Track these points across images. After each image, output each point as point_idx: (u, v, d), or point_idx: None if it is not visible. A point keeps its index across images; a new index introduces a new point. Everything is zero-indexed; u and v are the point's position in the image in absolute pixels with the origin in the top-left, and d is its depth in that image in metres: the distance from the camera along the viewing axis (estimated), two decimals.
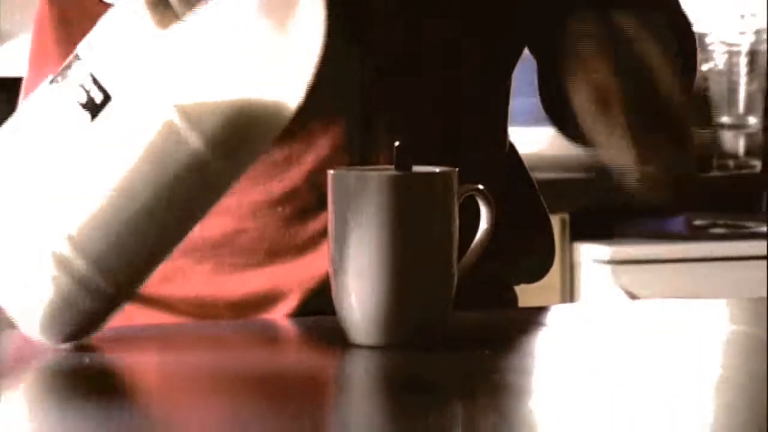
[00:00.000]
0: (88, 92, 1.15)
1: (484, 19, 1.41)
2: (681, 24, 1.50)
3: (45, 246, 1.16)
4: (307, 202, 1.34)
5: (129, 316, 1.37)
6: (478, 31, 1.41)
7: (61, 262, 1.15)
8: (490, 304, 1.43)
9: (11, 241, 1.18)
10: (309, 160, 1.35)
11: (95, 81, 1.16)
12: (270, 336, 1.31)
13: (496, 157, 1.48)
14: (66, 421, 1.02)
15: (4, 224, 1.18)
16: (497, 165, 1.47)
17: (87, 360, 1.22)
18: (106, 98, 1.16)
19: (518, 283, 1.52)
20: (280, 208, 1.35)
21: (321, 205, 1.33)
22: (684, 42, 1.48)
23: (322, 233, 1.33)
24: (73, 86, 1.16)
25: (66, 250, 1.14)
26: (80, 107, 1.15)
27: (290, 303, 1.36)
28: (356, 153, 1.36)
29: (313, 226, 1.35)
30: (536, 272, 1.52)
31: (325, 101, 1.33)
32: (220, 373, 1.18)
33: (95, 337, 1.25)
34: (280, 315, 1.36)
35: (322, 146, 1.35)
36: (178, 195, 1.16)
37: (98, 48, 1.19)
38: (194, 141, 1.13)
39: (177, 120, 1.13)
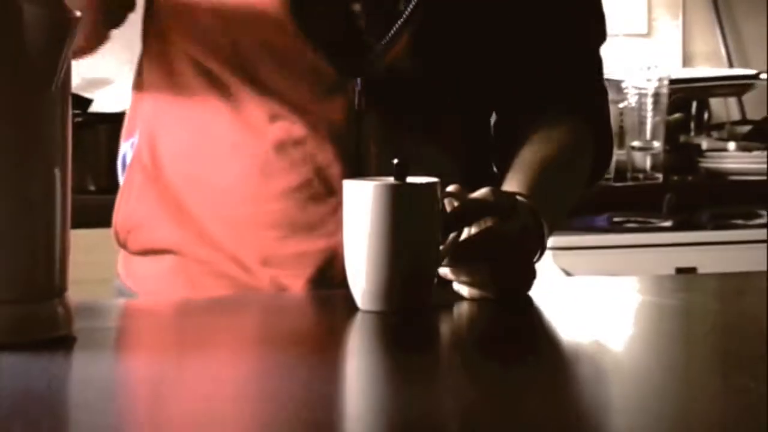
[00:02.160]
0: None
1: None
2: (602, 130, 1.47)
3: None
4: (317, 191, 1.33)
5: (192, 278, 1.36)
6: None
7: None
8: None
9: None
10: (319, 159, 1.34)
11: None
12: (298, 303, 1.30)
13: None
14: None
15: None
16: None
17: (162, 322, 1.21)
18: None
19: None
20: (297, 194, 1.34)
21: (328, 193, 1.33)
22: (601, 147, 1.46)
23: (330, 214, 1.33)
24: None
25: None
26: None
27: (308, 269, 1.34)
28: (353, 156, 1.34)
29: (323, 208, 1.34)
30: None
31: (331, 115, 1.32)
32: (256, 331, 1.17)
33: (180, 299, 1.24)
34: (301, 278, 1.34)
35: (328, 150, 1.34)
36: None
37: None
38: None
39: None
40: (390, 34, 1.32)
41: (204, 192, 1.37)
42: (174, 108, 1.39)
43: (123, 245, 1.44)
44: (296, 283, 1.33)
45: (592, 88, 1.47)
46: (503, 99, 1.44)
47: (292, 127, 1.33)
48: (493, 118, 1.47)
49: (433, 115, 1.38)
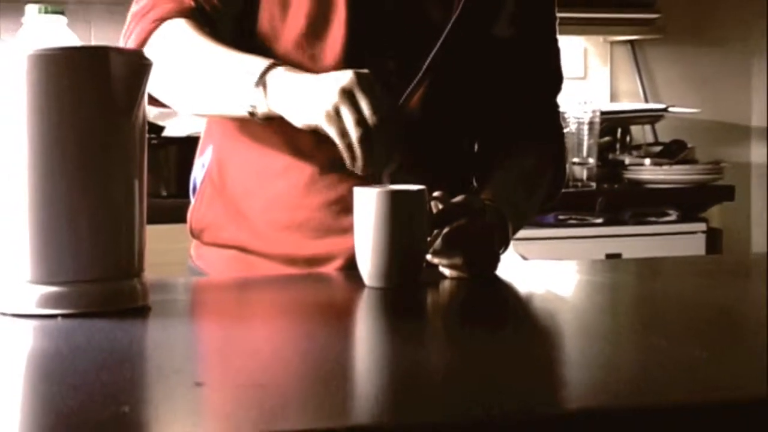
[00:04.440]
0: None
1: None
2: (560, 165, 1.47)
3: None
4: (349, 204, 1.32)
5: (250, 265, 1.36)
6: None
7: None
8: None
9: None
10: (351, 180, 1.32)
11: None
12: (317, 281, 1.29)
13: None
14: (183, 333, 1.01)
15: None
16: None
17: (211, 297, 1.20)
18: None
19: None
20: (333, 207, 1.33)
21: None
22: (556, 179, 1.45)
23: None
24: None
25: None
26: None
27: (339, 261, 1.33)
28: (384, 178, 1.32)
29: (353, 218, 1.33)
30: None
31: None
32: (285, 302, 1.16)
33: (219, 280, 1.23)
34: (332, 268, 1.33)
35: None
36: None
37: None
38: None
39: None
40: (411, 86, 1.32)
41: (259, 201, 1.36)
42: (238, 133, 1.38)
43: (196, 238, 1.44)
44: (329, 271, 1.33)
45: (554, 131, 1.49)
46: (485, 135, 1.45)
47: (334, 151, 1.31)
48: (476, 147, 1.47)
49: (433, 146, 1.37)
